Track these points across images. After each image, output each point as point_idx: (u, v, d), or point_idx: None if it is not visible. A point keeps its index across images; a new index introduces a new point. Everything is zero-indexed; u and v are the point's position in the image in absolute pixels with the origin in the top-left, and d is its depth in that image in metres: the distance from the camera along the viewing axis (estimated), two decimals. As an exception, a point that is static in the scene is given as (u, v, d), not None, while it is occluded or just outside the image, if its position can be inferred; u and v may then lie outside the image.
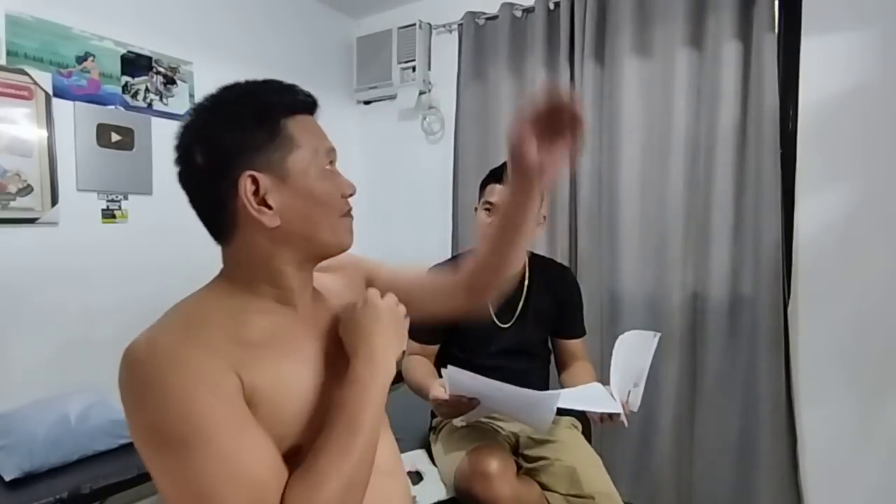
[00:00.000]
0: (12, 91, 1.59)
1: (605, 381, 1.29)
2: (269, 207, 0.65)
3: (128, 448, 1.49)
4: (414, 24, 2.48)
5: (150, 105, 1.96)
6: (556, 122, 0.70)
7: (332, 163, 0.72)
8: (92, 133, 1.79)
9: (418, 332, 1.50)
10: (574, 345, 1.56)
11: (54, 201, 1.69)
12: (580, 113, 0.69)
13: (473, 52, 2.34)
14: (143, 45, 1.93)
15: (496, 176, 1.46)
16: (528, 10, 2.19)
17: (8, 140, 1.59)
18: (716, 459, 1.87)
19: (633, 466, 1.99)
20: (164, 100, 2.00)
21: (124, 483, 1.39)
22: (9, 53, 1.60)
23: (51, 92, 1.68)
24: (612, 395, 1.20)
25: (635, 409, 1.18)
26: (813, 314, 1.78)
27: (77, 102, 1.75)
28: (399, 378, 1.26)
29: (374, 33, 2.63)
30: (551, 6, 2.13)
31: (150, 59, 1.95)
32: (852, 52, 1.67)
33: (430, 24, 2.52)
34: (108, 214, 1.85)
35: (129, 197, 1.90)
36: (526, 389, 1.12)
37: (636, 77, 1.97)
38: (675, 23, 1.88)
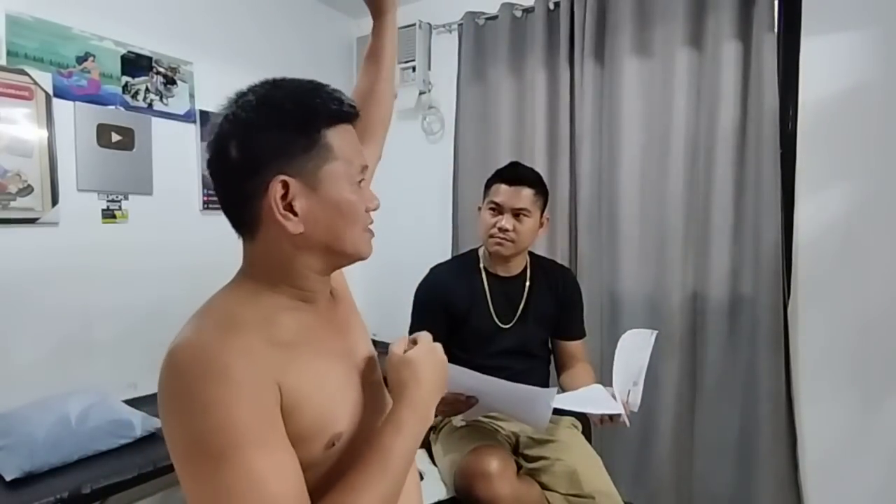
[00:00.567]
0: (12, 91, 1.60)
1: (605, 382, 1.30)
2: (295, 214, 0.66)
3: (128, 448, 1.49)
4: (414, 24, 2.48)
5: (150, 105, 1.96)
6: None
7: (363, 178, 0.73)
8: (92, 133, 1.79)
9: (420, 331, 1.50)
10: (574, 346, 1.56)
11: (54, 201, 1.69)
12: None
13: (473, 52, 2.34)
14: (144, 45, 1.94)
15: (502, 176, 1.46)
16: (527, 10, 2.19)
17: (8, 140, 1.59)
18: (716, 459, 1.87)
19: (633, 466, 1.99)
20: (165, 100, 2.00)
21: (125, 483, 1.39)
22: (9, 53, 1.60)
23: (51, 92, 1.68)
24: (613, 396, 1.20)
25: (635, 409, 1.18)
26: (813, 314, 1.78)
27: (77, 102, 1.75)
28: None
29: (374, 33, 2.63)
30: (551, 6, 2.13)
31: (150, 59, 1.95)
32: (852, 51, 1.67)
33: (430, 24, 2.52)
34: (109, 214, 1.85)
35: (130, 197, 1.91)
36: (522, 385, 1.13)
37: (636, 77, 1.98)
38: (674, 22, 1.88)
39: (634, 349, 1.23)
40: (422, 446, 1.56)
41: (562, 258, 2.12)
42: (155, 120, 1.97)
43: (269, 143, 0.65)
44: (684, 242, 1.91)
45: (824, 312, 1.76)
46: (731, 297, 1.85)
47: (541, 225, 1.49)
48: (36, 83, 1.64)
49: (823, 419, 1.76)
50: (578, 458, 1.35)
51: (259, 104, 0.66)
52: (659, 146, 1.95)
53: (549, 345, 1.60)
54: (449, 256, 2.27)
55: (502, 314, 1.49)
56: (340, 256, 0.72)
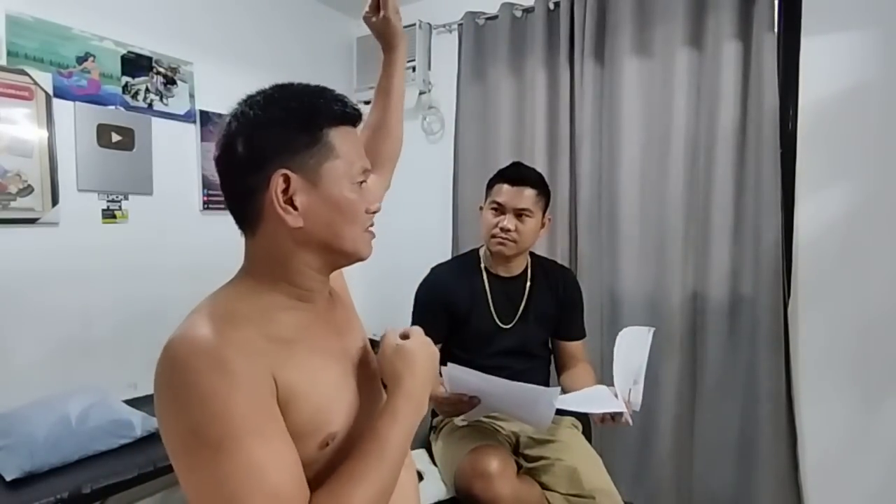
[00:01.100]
0: (12, 91, 1.60)
1: (606, 382, 1.30)
2: (295, 208, 0.67)
3: (128, 448, 1.49)
4: (414, 24, 2.48)
5: (150, 105, 1.96)
6: None
7: (364, 179, 0.74)
8: (92, 133, 1.79)
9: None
10: (574, 346, 1.57)
11: (55, 201, 1.69)
12: None
13: (473, 52, 2.34)
14: (144, 45, 1.94)
15: (504, 176, 1.46)
16: (527, 10, 2.19)
17: (8, 140, 1.59)
18: (716, 459, 1.87)
19: (633, 466, 1.99)
20: (165, 100, 2.01)
21: (125, 483, 1.39)
22: (9, 54, 1.60)
23: (51, 92, 1.68)
24: (615, 395, 1.20)
25: (637, 408, 1.17)
26: (813, 314, 1.78)
27: (77, 103, 1.75)
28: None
29: (374, 33, 2.63)
30: (551, 6, 2.13)
31: (150, 59, 1.95)
32: (852, 51, 1.67)
33: (430, 24, 2.52)
34: (109, 214, 1.85)
35: (130, 197, 1.91)
36: (525, 384, 1.13)
37: (636, 77, 1.98)
38: (674, 22, 1.88)
39: (633, 347, 1.23)
40: (422, 446, 1.57)
41: (562, 258, 2.12)
42: (155, 120, 1.97)
43: (273, 139, 0.67)
44: (684, 242, 1.91)
45: (824, 312, 1.76)
46: (731, 297, 1.85)
47: (542, 225, 1.49)
48: (36, 83, 1.64)
49: (823, 419, 1.76)
50: (579, 458, 1.35)
51: (266, 103, 0.69)
52: (659, 146, 1.95)
53: (550, 345, 1.60)
54: (449, 256, 2.27)
55: (503, 314, 1.49)
56: (339, 255, 0.73)
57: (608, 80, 2.04)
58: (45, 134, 1.66)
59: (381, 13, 0.99)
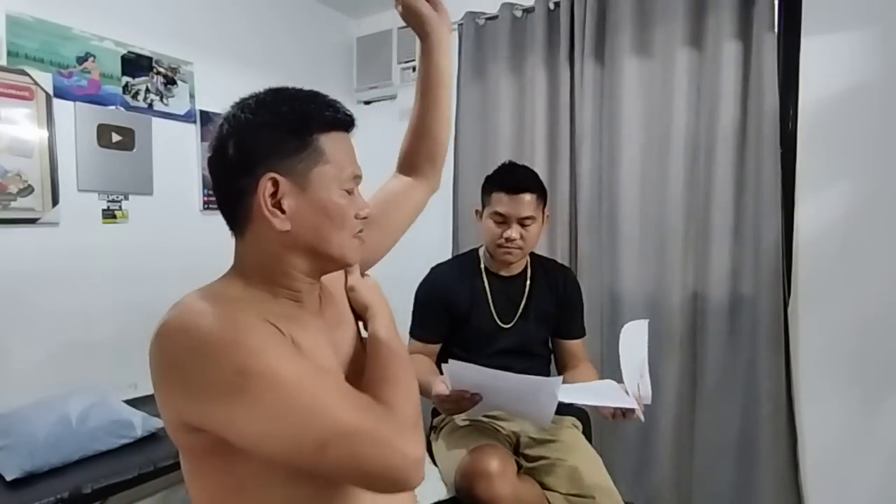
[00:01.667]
0: (13, 91, 1.60)
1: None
2: (283, 212, 0.68)
3: (128, 448, 1.49)
4: (414, 25, 2.48)
5: (150, 105, 1.96)
6: None
7: (355, 185, 0.74)
8: (92, 133, 1.79)
9: (420, 331, 1.50)
10: (575, 345, 1.57)
11: (55, 202, 1.70)
12: None
13: (473, 51, 2.34)
14: (144, 45, 1.94)
15: (501, 184, 1.44)
16: (528, 10, 2.19)
17: (8, 140, 1.59)
18: (716, 459, 1.87)
19: (633, 466, 1.99)
20: (165, 100, 2.01)
21: (125, 483, 1.39)
22: (9, 54, 1.60)
23: (51, 92, 1.68)
24: (626, 392, 1.19)
25: (648, 402, 1.16)
26: (813, 314, 1.78)
27: (77, 103, 1.75)
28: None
29: (374, 33, 2.63)
30: (551, 6, 2.13)
31: (150, 59, 1.96)
32: (852, 51, 1.67)
33: (430, 25, 2.51)
34: (109, 215, 1.85)
35: (130, 197, 1.91)
36: (527, 376, 1.13)
37: (636, 77, 1.98)
38: (674, 22, 1.88)
39: (634, 342, 1.22)
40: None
41: (562, 258, 2.12)
42: (155, 120, 1.97)
43: (263, 143, 0.68)
44: (684, 242, 1.91)
45: (824, 312, 1.76)
46: (731, 297, 1.85)
47: (543, 222, 1.49)
48: (36, 83, 1.64)
49: (823, 419, 1.77)
50: (579, 458, 1.35)
51: (257, 107, 0.70)
52: (659, 146, 1.95)
53: (550, 344, 1.60)
54: (449, 256, 2.26)
55: (503, 314, 1.49)
56: (326, 260, 0.73)
57: (608, 80, 2.04)
58: (45, 134, 1.66)
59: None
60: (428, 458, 1.52)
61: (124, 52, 1.88)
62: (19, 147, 1.61)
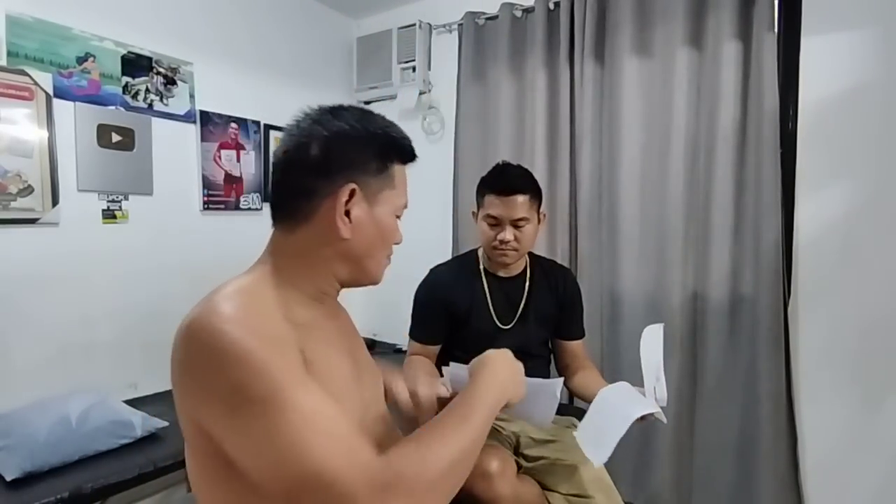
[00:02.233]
0: (13, 91, 1.60)
1: (608, 380, 1.29)
2: (350, 220, 0.72)
3: (128, 448, 1.49)
4: (414, 24, 2.48)
5: (150, 105, 1.96)
6: None
7: (401, 215, 0.81)
8: (92, 133, 1.79)
9: (420, 332, 1.50)
10: (575, 346, 1.56)
11: (55, 202, 1.70)
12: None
13: (473, 52, 2.34)
14: (144, 45, 1.94)
15: (492, 187, 1.43)
16: (528, 10, 2.19)
17: (8, 141, 1.59)
18: (716, 459, 1.87)
19: (633, 466, 1.99)
20: (165, 100, 2.01)
21: (125, 483, 1.40)
22: (9, 54, 1.60)
23: (51, 92, 1.68)
24: (642, 394, 1.19)
25: (664, 404, 1.15)
26: (813, 314, 1.78)
27: (77, 103, 1.75)
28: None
29: (374, 33, 2.63)
30: (551, 6, 2.13)
31: (150, 59, 1.96)
32: (852, 51, 1.67)
33: (430, 24, 2.52)
34: (109, 215, 1.85)
35: (130, 197, 1.91)
36: (528, 378, 1.12)
37: (636, 77, 1.98)
38: (674, 22, 1.88)
39: (651, 345, 1.22)
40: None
41: (562, 258, 2.12)
42: (155, 120, 1.97)
43: (351, 154, 0.73)
44: (684, 242, 1.91)
45: (824, 312, 1.76)
46: (731, 297, 1.85)
47: (539, 222, 1.49)
48: (36, 83, 1.64)
49: (823, 419, 1.76)
50: (579, 458, 1.35)
51: (351, 118, 0.74)
52: (659, 146, 1.95)
53: (549, 344, 1.60)
54: (449, 257, 2.27)
55: (502, 315, 1.49)
56: (363, 274, 0.78)
57: (608, 80, 2.04)
58: (45, 134, 1.67)
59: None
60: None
61: (124, 52, 1.88)
62: (19, 147, 1.61)
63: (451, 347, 1.50)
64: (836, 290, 1.73)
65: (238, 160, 2.27)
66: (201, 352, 0.61)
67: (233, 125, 2.24)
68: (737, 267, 1.85)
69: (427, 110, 2.56)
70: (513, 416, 1.45)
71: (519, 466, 1.36)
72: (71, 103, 1.74)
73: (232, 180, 2.25)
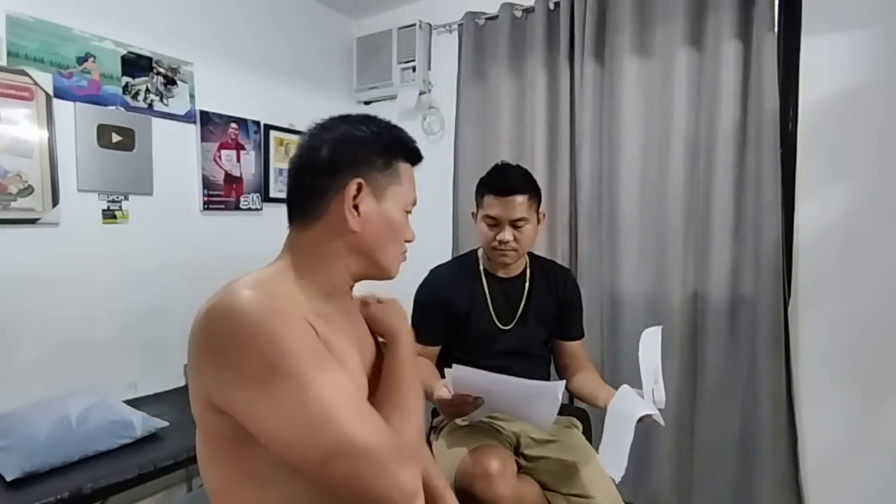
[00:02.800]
0: (13, 92, 1.60)
1: (607, 381, 1.29)
2: (359, 214, 0.76)
3: (128, 448, 1.49)
4: (414, 25, 2.48)
5: (150, 106, 1.96)
6: None
7: (411, 210, 0.85)
8: (92, 134, 1.79)
9: (420, 332, 1.50)
10: (575, 346, 1.56)
11: (55, 202, 1.70)
12: None
13: (473, 52, 2.34)
14: (144, 45, 1.94)
15: (491, 187, 1.43)
16: (528, 10, 2.20)
17: (9, 141, 1.59)
18: (716, 459, 1.87)
19: (633, 466, 1.98)
20: (165, 100, 2.01)
21: (125, 483, 1.40)
22: (9, 54, 1.60)
23: (51, 93, 1.68)
24: (641, 397, 1.20)
25: (662, 406, 1.17)
26: (813, 314, 1.78)
27: (78, 103, 1.75)
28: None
29: (374, 33, 2.63)
30: (551, 6, 2.13)
31: (150, 59, 1.96)
32: (852, 51, 1.67)
33: (430, 25, 2.52)
34: (109, 215, 1.85)
35: (130, 197, 1.91)
36: (529, 381, 1.13)
37: (636, 77, 1.98)
38: (674, 22, 1.88)
39: (649, 348, 1.23)
40: (422, 446, 1.56)
41: (562, 258, 2.12)
42: (155, 120, 1.97)
43: (357, 152, 0.78)
44: (684, 242, 1.91)
45: (825, 312, 1.76)
46: (731, 297, 1.85)
47: (538, 221, 1.49)
48: (36, 84, 1.64)
49: (823, 419, 1.76)
50: (579, 458, 1.35)
51: (357, 122, 0.81)
52: (659, 146, 1.95)
53: (549, 345, 1.60)
54: (449, 257, 2.26)
55: (502, 315, 1.49)
56: (376, 267, 0.81)
57: (608, 80, 2.04)
58: (45, 134, 1.66)
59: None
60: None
61: (124, 52, 1.88)
62: (19, 147, 1.61)
63: (451, 348, 1.50)
64: (836, 291, 1.73)
65: (238, 160, 2.27)
66: (226, 332, 0.63)
67: (233, 125, 2.24)
68: (737, 267, 1.85)
69: (427, 110, 2.56)
70: (514, 418, 1.45)
71: (519, 466, 1.36)
72: (71, 103, 1.74)
73: (232, 180, 2.25)
